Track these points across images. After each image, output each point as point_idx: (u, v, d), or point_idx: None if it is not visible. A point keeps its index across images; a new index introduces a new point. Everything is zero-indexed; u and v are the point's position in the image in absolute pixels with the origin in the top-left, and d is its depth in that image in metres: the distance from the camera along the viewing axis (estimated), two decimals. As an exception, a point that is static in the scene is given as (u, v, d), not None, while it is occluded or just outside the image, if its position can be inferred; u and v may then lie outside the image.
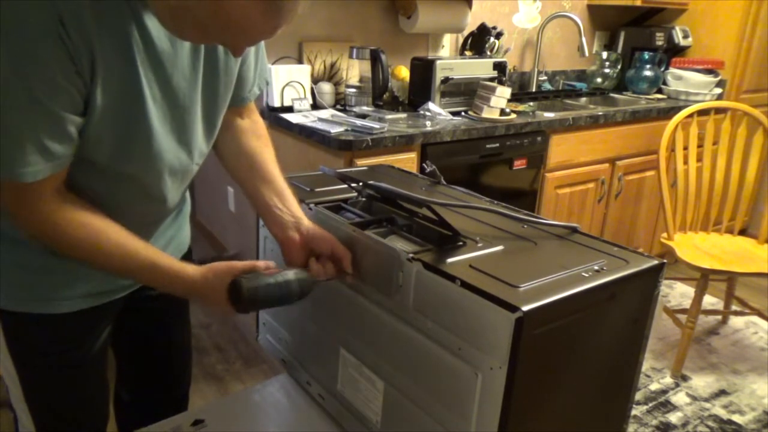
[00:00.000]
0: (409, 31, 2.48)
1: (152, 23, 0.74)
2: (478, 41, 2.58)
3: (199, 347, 2.34)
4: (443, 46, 2.72)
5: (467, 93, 2.33)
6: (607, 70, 3.14)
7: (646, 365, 2.30)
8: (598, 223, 2.73)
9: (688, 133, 2.33)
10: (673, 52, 3.15)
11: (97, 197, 0.83)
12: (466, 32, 2.62)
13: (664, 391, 2.15)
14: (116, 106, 0.75)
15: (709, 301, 2.79)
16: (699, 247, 2.29)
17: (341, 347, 0.94)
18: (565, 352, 0.73)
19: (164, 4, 0.68)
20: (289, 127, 2.05)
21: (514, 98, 2.63)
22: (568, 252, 0.82)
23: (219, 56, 0.86)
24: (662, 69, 3.06)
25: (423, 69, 2.28)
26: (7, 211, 0.77)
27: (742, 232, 2.75)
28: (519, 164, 2.29)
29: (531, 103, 2.62)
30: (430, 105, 2.25)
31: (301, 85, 2.20)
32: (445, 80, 2.25)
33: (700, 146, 2.36)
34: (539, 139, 2.31)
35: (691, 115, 2.30)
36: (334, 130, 1.89)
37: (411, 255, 0.77)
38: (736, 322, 2.65)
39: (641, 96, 3.04)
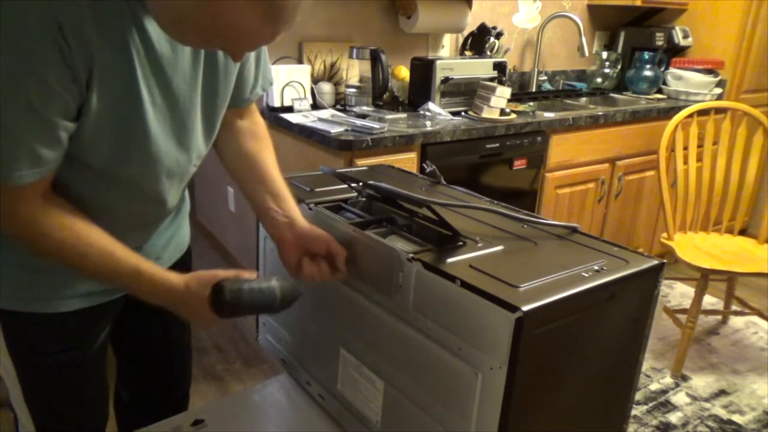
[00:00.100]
0: (409, 31, 2.48)
1: (152, 27, 0.74)
2: (478, 41, 2.58)
3: (199, 347, 2.34)
4: (443, 46, 2.72)
5: (467, 93, 2.33)
6: (607, 70, 3.14)
7: (646, 365, 2.30)
8: (598, 223, 2.73)
9: (688, 133, 2.33)
10: (673, 52, 3.15)
11: (95, 199, 0.83)
12: (466, 32, 2.62)
13: (664, 391, 2.15)
14: (114, 109, 0.75)
15: (709, 301, 2.79)
16: (699, 247, 2.29)
17: (341, 347, 0.94)
18: (565, 352, 0.73)
19: (164, 10, 0.68)
20: (289, 127, 2.06)
21: (514, 98, 2.64)
22: (568, 252, 0.82)
23: (219, 58, 0.87)
24: (662, 69, 3.06)
25: (423, 69, 2.28)
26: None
27: (742, 232, 2.75)
28: (519, 164, 2.29)
29: (531, 103, 2.62)
30: (430, 105, 2.25)
31: (301, 85, 2.20)
32: (445, 80, 2.25)
33: (700, 146, 2.36)
34: (539, 139, 2.31)
35: (691, 115, 2.30)
36: (334, 130, 1.89)
37: (411, 255, 0.77)
38: (736, 322, 2.65)
39: (641, 96, 3.04)
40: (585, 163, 2.55)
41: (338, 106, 2.30)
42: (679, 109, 2.44)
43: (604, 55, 3.15)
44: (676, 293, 2.91)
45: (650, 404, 2.08)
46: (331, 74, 2.38)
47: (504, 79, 2.36)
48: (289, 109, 2.18)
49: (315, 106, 2.25)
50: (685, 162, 2.34)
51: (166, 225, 1.05)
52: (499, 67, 2.37)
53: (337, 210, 0.99)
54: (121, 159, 0.80)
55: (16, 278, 0.89)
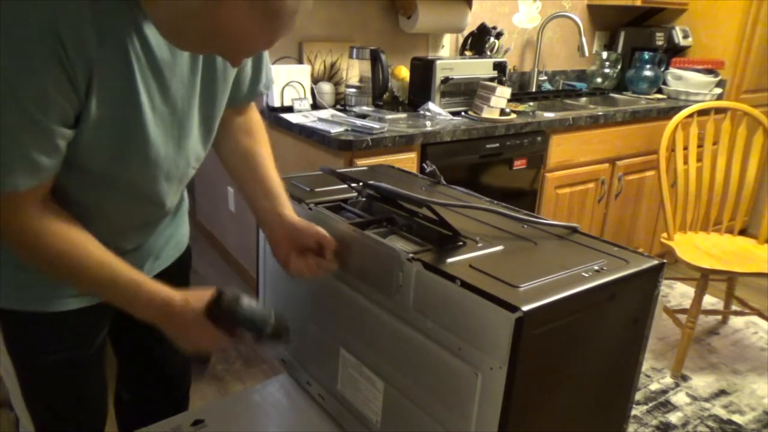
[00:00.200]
0: (409, 31, 2.48)
1: (152, 32, 0.74)
2: (478, 41, 2.58)
3: (199, 347, 2.33)
4: (443, 46, 2.72)
5: (467, 93, 2.33)
6: (607, 70, 3.14)
7: (646, 365, 2.30)
8: (598, 223, 2.73)
9: (688, 133, 2.33)
10: (673, 52, 3.15)
11: (93, 201, 0.83)
12: (466, 32, 2.62)
13: (664, 391, 2.15)
14: (113, 115, 0.74)
15: (709, 301, 2.79)
16: (699, 247, 2.29)
17: (341, 347, 0.94)
18: (565, 352, 0.73)
19: (162, 15, 0.68)
20: (289, 127, 2.06)
21: (514, 98, 2.64)
22: (568, 252, 0.82)
23: (217, 62, 0.87)
24: (662, 69, 3.06)
25: (423, 69, 2.28)
26: None
27: (742, 232, 2.75)
28: (519, 164, 2.29)
29: (531, 103, 2.62)
30: (430, 105, 2.25)
31: (301, 85, 2.20)
32: (445, 80, 2.25)
33: (700, 146, 2.36)
34: (539, 139, 2.31)
35: (691, 115, 2.30)
36: (334, 130, 1.89)
37: (411, 255, 0.77)
38: (736, 322, 2.65)
39: (641, 96, 3.04)
40: (585, 163, 2.55)
41: (338, 106, 2.30)
42: (679, 109, 2.44)
43: (604, 55, 3.15)
44: (676, 293, 2.91)
45: (650, 404, 2.08)
46: (331, 74, 2.38)
47: (504, 79, 2.36)
48: (289, 109, 2.18)
49: (315, 106, 2.25)
50: (685, 162, 2.34)
51: (165, 224, 1.05)
52: (499, 67, 2.37)
53: (337, 210, 0.99)
54: (121, 163, 0.80)
55: (16, 278, 0.89)
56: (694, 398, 2.11)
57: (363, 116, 2.07)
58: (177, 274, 1.12)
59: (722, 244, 2.36)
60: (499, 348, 0.66)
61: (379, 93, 2.27)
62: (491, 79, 2.32)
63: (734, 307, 2.53)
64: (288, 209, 0.96)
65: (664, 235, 2.34)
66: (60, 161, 0.74)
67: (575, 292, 0.70)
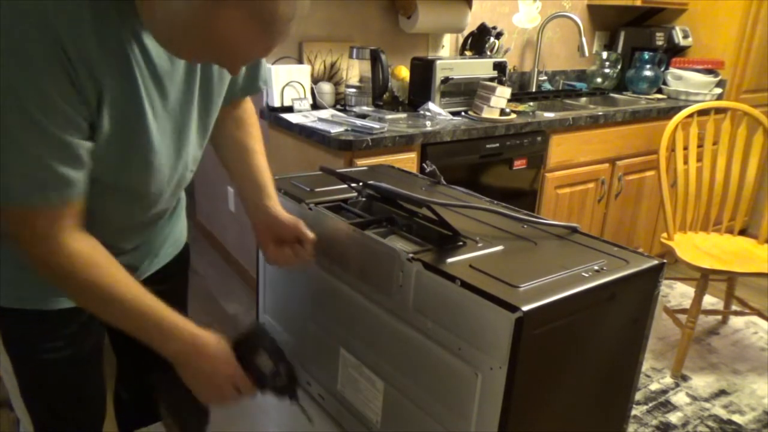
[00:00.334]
0: (409, 31, 2.48)
1: (151, 42, 0.75)
2: (478, 41, 2.58)
3: (199, 347, 2.33)
4: (443, 46, 2.72)
5: (467, 93, 2.33)
6: (607, 70, 3.14)
7: (646, 365, 2.30)
8: (598, 223, 2.73)
9: (688, 133, 2.33)
10: (673, 52, 3.15)
11: (92, 206, 0.83)
12: (466, 32, 2.62)
13: (664, 391, 2.15)
14: (120, 127, 0.75)
15: (709, 301, 2.79)
16: (699, 247, 2.29)
17: (341, 347, 0.94)
18: (565, 352, 0.73)
19: (160, 25, 0.68)
20: (289, 127, 2.06)
21: (514, 98, 2.64)
22: (568, 252, 0.82)
23: (214, 65, 0.87)
24: (662, 69, 3.06)
25: (423, 69, 2.28)
26: (20, 241, 0.76)
27: (742, 232, 2.75)
28: (519, 164, 2.29)
29: (531, 103, 2.62)
30: (430, 105, 2.25)
31: (301, 85, 2.20)
32: (445, 80, 2.25)
33: (700, 146, 2.36)
34: (539, 139, 2.31)
35: (691, 115, 2.30)
36: (334, 130, 1.89)
37: (411, 255, 0.77)
38: (736, 322, 2.65)
39: (641, 96, 3.04)
40: (585, 163, 2.55)
41: (338, 106, 2.30)
42: (679, 109, 2.44)
43: (604, 55, 3.15)
44: (676, 293, 2.91)
45: (650, 404, 2.08)
46: (331, 74, 2.38)
47: (504, 79, 2.36)
48: (289, 109, 2.18)
49: (315, 106, 2.25)
50: (685, 162, 2.34)
51: (163, 223, 1.06)
52: (499, 67, 2.37)
53: (337, 210, 0.99)
54: (124, 171, 0.81)
55: (15, 276, 0.89)
56: (694, 398, 2.11)
57: (363, 116, 2.07)
58: (175, 271, 1.13)
59: (722, 244, 2.36)
60: (499, 348, 0.66)
61: (379, 93, 2.27)
62: (491, 79, 2.32)
63: (734, 307, 2.53)
64: (272, 201, 0.99)
65: (664, 235, 2.34)
66: (87, 174, 0.75)
67: (575, 292, 0.70)
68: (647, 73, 3.03)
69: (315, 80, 2.31)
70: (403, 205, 0.96)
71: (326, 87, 2.29)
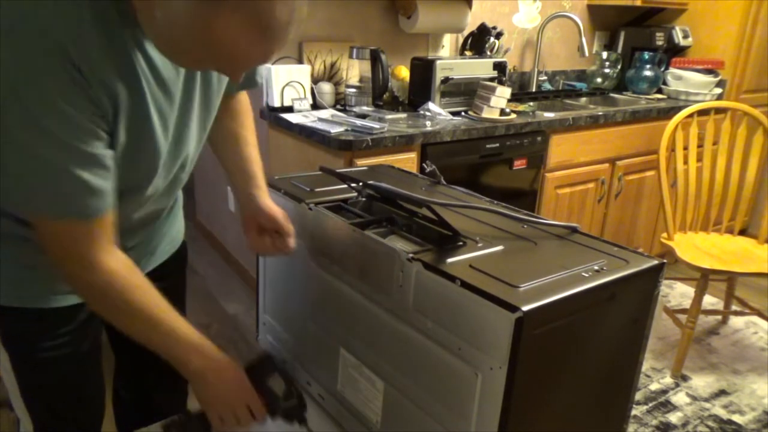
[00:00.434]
0: (409, 31, 2.48)
1: (154, 50, 0.76)
2: (478, 41, 2.58)
3: (199, 347, 2.33)
4: (443, 46, 2.72)
5: (467, 93, 2.33)
6: (607, 70, 3.14)
7: (646, 365, 2.30)
8: (598, 223, 2.73)
9: (688, 133, 2.33)
10: (673, 52, 3.15)
11: None
12: (466, 32, 2.62)
13: (664, 391, 2.15)
14: (129, 134, 0.77)
15: (709, 301, 2.79)
16: (699, 247, 2.29)
17: (341, 347, 0.94)
18: (565, 352, 0.73)
19: (160, 35, 0.69)
20: (289, 127, 2.06)
21: (514, 98, 2.64)
22: (568, 252, 0.82)
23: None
24: (662, 69, 3.06)
25: (423, 69, 2.28)
26: (57, 260, 0.78)
27: (742, 232, 2.75)
28: (519, 164, 2.29)
29: (531, 103, 2.62)
30: (430, 105, 2.25)
31: (301, 85, 2.20)
32: (445, 80, 2.25)
33: (700, 146, 2.36)
34: (539, 139, 2.31)
35: (691, 115, 2.30)
36: (334, 130, 1.89)
37: (411, 255, 0.77)
38: (736, 322, 2.65)
39: (641, 96, 3.04)
40: (585, 163, 2.55)
41: (338, 106, 2.30)
42: (679, 109, 2.44)
43: (604, 55, 3.15)
44: (676, 293, 2.91)
45: (650, 404, 2.08)
46: (331, 74, 2.38)
47: (504, 79, 2.36)
48: (289, 109, 2.18)
49: (315, 106, 2.25)
50: (685, 162, 2.34)
51: (160, 223, 1.07)
52: (499, 67, 2.37)
53: (337, 210, 0.99)
54: (127, 174, 0.82)
55: (13, 275, 0.89)
56: (694, 398, 2.11)
57: (363, 116, 2.07)
58: (173, 269, 1.13)
59: (722, 244, 2.36)
60: (499, 348, 0.66)
61: (379, 93, 2.27)
62: (491, 79, 2.32)
63: (734, 307, 2.53)
64: (261, 191, 1.02)
65: (664, 235, 2.34)
66: (114, 182, 0.76)
67: (575, 292, 0.70)
68: (647, 73, 3.03)
69: (315, 80, 2.31)
70: (403, 205, 0.96)
71: (326, 87, 2.29)
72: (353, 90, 2.28)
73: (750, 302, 2.49)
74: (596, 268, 0.76)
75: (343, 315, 0.93)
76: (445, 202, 0.95)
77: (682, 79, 2.98)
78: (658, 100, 2.96)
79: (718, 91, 2.98)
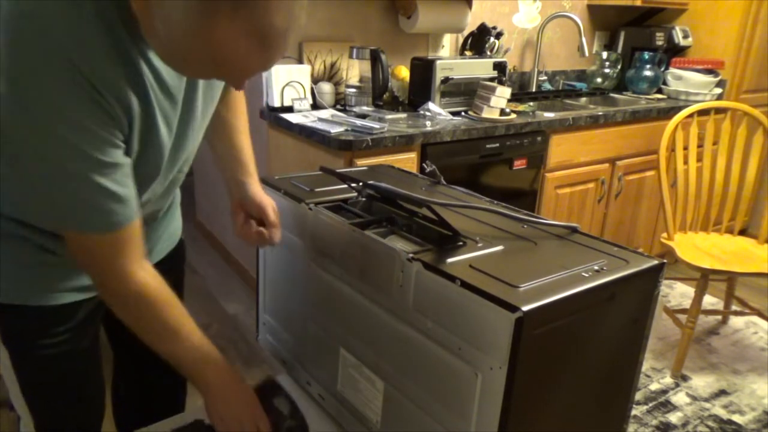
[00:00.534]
0: (409, 31, 2.48)
1: (159, 61, 0.76)
2: (478, 41, 2.58)
3: (199, 347, 2.33)
4: (443, 46, 2.72)
5: (467, 93, 2.33)
6: (607, 70, 3.14)
7: (646, 365, 2.30)
8: (598, 223, 2.73)
9: (688, 133, 2.33)
10: (673, 52, 3.15)
11: None
12: (466, 32, 2.62)
13: (664, 391, 2.15)
14: (140, 143, 0.79)
15: (709, 301, 2.79)
16: (699, 247, 2.29)
17: (341, 347, 0.94)
18: (565, 352, 0.73)
19: (162, 46, 0.70)
20: (289, 127, 2.06)
21: (514, 98, 2.64)
22: (568, 252, 0.82)
23: None
24: (662, 69, 3.06)
25: (423, 69, 2.28)
26: (92, 272, 0.82)
27: (742, 232, 2.75)
28: (519, 164, 2.29)
29: (531, 103, 2.62)
30: (430, 105, 2.25)
31: (301, 85, 2.20)
32: (445, 80, 2.25)
33: (700, 146, 2.36)
34: (539, 139, 2.31)
35: (691, 115, 2.30)
36: (334, 130, 1.89)
37: (411, 255, 0.77)
38: (736, 322, 2.65)
39: (641, 96, 3.04)
40: (585, 163, 2.55)
41: (338, 106, 2.30)
42: (679, 109, 2.44)
43: (604, 55, 3.15)
44: (676, 293, 2.91)
45: (650, 404, 2.08)
46: (331, 74, 2.38)
47: (504, 79, 2.36)
48: (289, 109, 2.18)
49: (315, 106, 2.25)
50: (685, 162, 2.34)
51: (157, 224, 1.07)
52: (499, 67, 2.37)
53: (337, 210, 0.99)
54: (135, 180, 0.83)
55: (13, 273, 0.89)
56: (694, 398, 2.11)
57: (363, 116, 2.07)
58: (171, 267, 1.13)
59: (722, 244, 2.36)
60: (499, 348, 0.66)
61: (379, 93, 2.27)
62: (491, 79, 2.32)
63: (734, 307, 2.53)
64: (251, 178, 1.04)
65: (664, 235, 2.34)
66: (135, 192, 0.78)
67: (575, 292, 0.70)
68: (647, 73, 3.03)
69: (315, 80, 2.31)
70: (403, 205, 0.96)
71: (326, 87, 2.29)
72: (353, 90, 2.28)
73: (750, 302, 2.49)
74: (596, 268, 0.76)
75: (343, 315, 0.93)
76: (445, 202, 0.95)
77: (682, 79, 2.98)
78: (658, 100, 2.96)
79: (718, 91, 2.98)
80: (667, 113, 2.72)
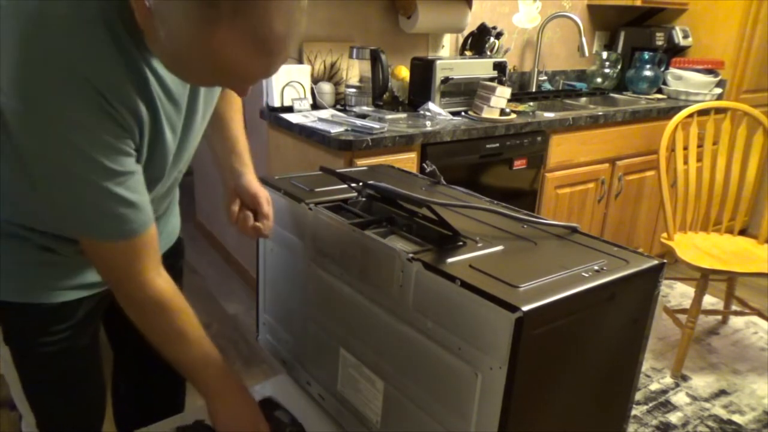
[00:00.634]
0: (409, 31, 2.48)
1: (162, 68, 0.77)
2: (478, 41, 2.58)
3: (199, 347, 2.34)
4: (443, 46, 2.72)
5: (467, 93, 2.33)
6: (607, 70, 3.14)
7: (646, 365, 2.30)
8: (598, 223, 2.73)
9: (688, 133, 2.33)
10: (673, 52, 3.15)
11: None
12: (466, 32, 2.62)
13: (664, 391, 2.15)
14: (148, 150, 0.80)
15: (709, 301, 2.79)
16: (699, 247, 2.29)
17: (341, 347, 0.94)
18: (565, 352, 0.73)
19: (165, 53, 0.70)
20: (289, 127, 2.06)
21: (514, 98, 2.64)
22: (568, 252, 0.82)
23: None
24: (662, 69, 3.06)
25: (423, 69, 2.28)
26: (110, 280, 0.84)
27: (742, 232, 2.75)
28: (519, 164, 2.29)
29: (531, 103, 2.62)
30: (430, 105, 2.25)
31: (301, 85, 2.20)
32: (445, 80, 2.25)
33: (700, 146, 2.36)
34: (539, 139, 2.31)
35: (691, 115, 2.30)
36: (334, 130, 1.89)
37: (411, 255, 0.77)
38: (736, 322, 2.65)
39: (641, 96, 3.04)
40: (585, 163, 2.55)
41: (338, 106, 2.30)
42: (679, 109, 2.44)
43: (604, 55, 3.15)
44: (676, 293, 2.91)
45: (650, 404, 2.08)
46: (331, 74, 2.38)
47: (504, 79, 2.36)
48: (289, 109, 2.18)
49: (315, 106, 2.25)
50: (685, 162, 2.34)
51: (158, 219, 1.07)
52: (499, 67, 2.37)
53: (337, 210, 0.98)
54: None
55: (14, 271, 0.90)
56: (694, 398, 2.11)
57: (363, 116, 2.07)
58: (170, 264, 1.13)
59: (722, 244, 2.36)
60: (499, 348, 0.66)
61: (379, 93, 2.27)
62: (491, 79, 2.32)
63: (734, 307, 2.53)
64: (246, 167, 1.04)
65: (664, 235, 2.34)
66: (148, 198, 0.81)
67: (575, 292, 0.70)
68: (647, 73, 3.03)
69: (315, 80, 2.31)
70: (403, 205, 0.96)
71: (326, 87, 2.29)
72: (353, 90, 2.29)
73: (750, 302, 2.49)
74: (596, 268, 0.76)
75: (343, 315, 0.93)
76: (445, 202, 0.95)
77: (682, 79, 2.98)
78: (658, 100, 2.96)
79: (718, 91, 2.98)
80: (667, 113, 2.72)
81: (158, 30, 0.67)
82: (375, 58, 2.20)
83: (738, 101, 2.85)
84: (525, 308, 0.64)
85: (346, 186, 1.07)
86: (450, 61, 2.28)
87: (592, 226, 2.69)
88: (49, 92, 0.67)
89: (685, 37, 3.13)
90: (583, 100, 2.99)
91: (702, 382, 2.21)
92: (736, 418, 2.02)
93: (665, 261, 0.81)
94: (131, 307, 0.85)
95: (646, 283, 0.80)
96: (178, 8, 0.63)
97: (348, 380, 0.94)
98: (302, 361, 1.07)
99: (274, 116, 2.15)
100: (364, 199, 1.03)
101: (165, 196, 1.00)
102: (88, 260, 0.86)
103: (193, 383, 0.92)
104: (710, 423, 1.99)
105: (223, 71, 0.68)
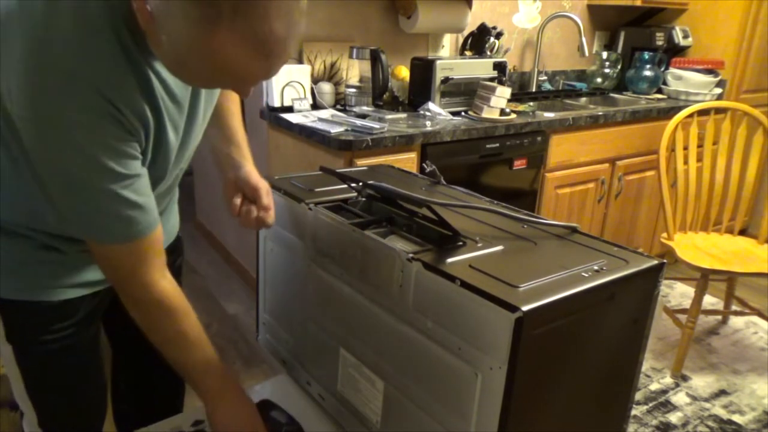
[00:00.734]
0: (409, 31, 2.48)
1: (165, 71, 0.78)
2: (478, 41, 2.58)
3: (199, 347, 2.34)
4: (443, 46, 2.72)
5: (467, 93, 2.33)
6: (607, 70, 3.14)
7: (646, 365, 2.30)
8: (598, 223, 2.73)
9: (688, 133, 2.33)
10: (673, 52, 3.15)
11: None
12: (466, 32, 2.62)
13: (664, 391, 2.15)
14: (152, 152, 0.81)
15: (709, 301, 2.79)
16: (699, 247, 2.29)
17: (341, 347, 0.94)
18: (565, 352, 0.73)
19: (167, 55, 0.71)
20: (289, 127, 2.06)
21: (514, 98, 2.64)
22: (568, 252, 0.82)
23: None
24: (662, 69, 3.06)
25: (423, 69, 2.28)
26: (116, 281, 0.85)
27: (742, 232, 2.75)
28: (519, 164, 2.29)
29: (531, 103, 2.62)
30: (430, 105, 2.25)
31: (301, 85, 2.20)
32: (445, 80, 2.25)
33: (700, 146, 2.36)
34: (539, 139, 2.31)
35: (691, 115, 2.30)
36: (334, 130, 1.89)
37: (411, 255, 0.77)
38: (736, 322, 2.65)
39: (641, 96, 3.04)
40: (585, 163, 2.55)
41: (338, 106, 2.30)
42: (679, 109, 2.44)
43: (604, 55, 3.15)
44: (676, 293, 2.91)
45: (650, 404, 2.08)
46: (331, 74, 2.38)
47: (504, 79, 2.36)
48: (289, 109, 2.18)
49: (315, 106, 2.25)
50: (685, 162, 2.34)
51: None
52: (499, 67, 2.37)
53: (337, 210, 0.98)
54: None
55: (16, 268, 0.90)
56: (694, 398, 2.11)
57: (363, 116, 2.07)
58: (168, 263, 1.13)
59: (722, 244, 2.36)
60: (499, 348, 0.66)
61: (379, 93, 2.27)
62: (491, 79, 2.32)
63: (734, 307, 2.53)
64: (245, 159, 1.04)
65: (664, 235, 2.34)
66: (154, 200, 0.82)
67: (575, 292, 0.70)
68: (647, 73, 3.03)
69: (315, 80, 2.31)
70: (403, 205, 0.96)
71: (326, 87, 2.29)
72: (353, 90, 2.29)
73: (750, 302, 2.49)
74: (596, 268, 0.76)
75: (343, 315, 0.93)
76: (445, 202, 0.95)
77: (682, 79, 2.98)
78: (658, 100, 2.96)
79: (718, 91, 2.98)
80: (667, 113, 2.72)
81: (160, 33, 0.67)
82: (375, 58, 2.20)
83: (738, 101, 2.85)
84: (525, 308, 0.64)
85: (346, 186, 1.07)
86: (450, 61, 2.28)
87: (592, 226, 2.69)
88: (56, 98, 0.68)
89: (685, 37, 3.13)
90: (583, 100, 2.99)
91: (702, 382, 2.21)
92: (736, 418, 2.02)
93: (665, 261, 0.81)
94: (135, 307, 0.86)
95: (646, 283, 0.80)
96: (179, 9, 0.63)
97: (348, 380, 0.94)
98: (302, 361, 1.07)
99: (274, 116, 2.15)
100: (364, 199, 1.03)
101: (165, 195, 1.00)
102: (89, 258, 0.87)
103: (192, 385, 0.92)
104: (710, 423, 1.99)
105: (223, 72, 0.68)
